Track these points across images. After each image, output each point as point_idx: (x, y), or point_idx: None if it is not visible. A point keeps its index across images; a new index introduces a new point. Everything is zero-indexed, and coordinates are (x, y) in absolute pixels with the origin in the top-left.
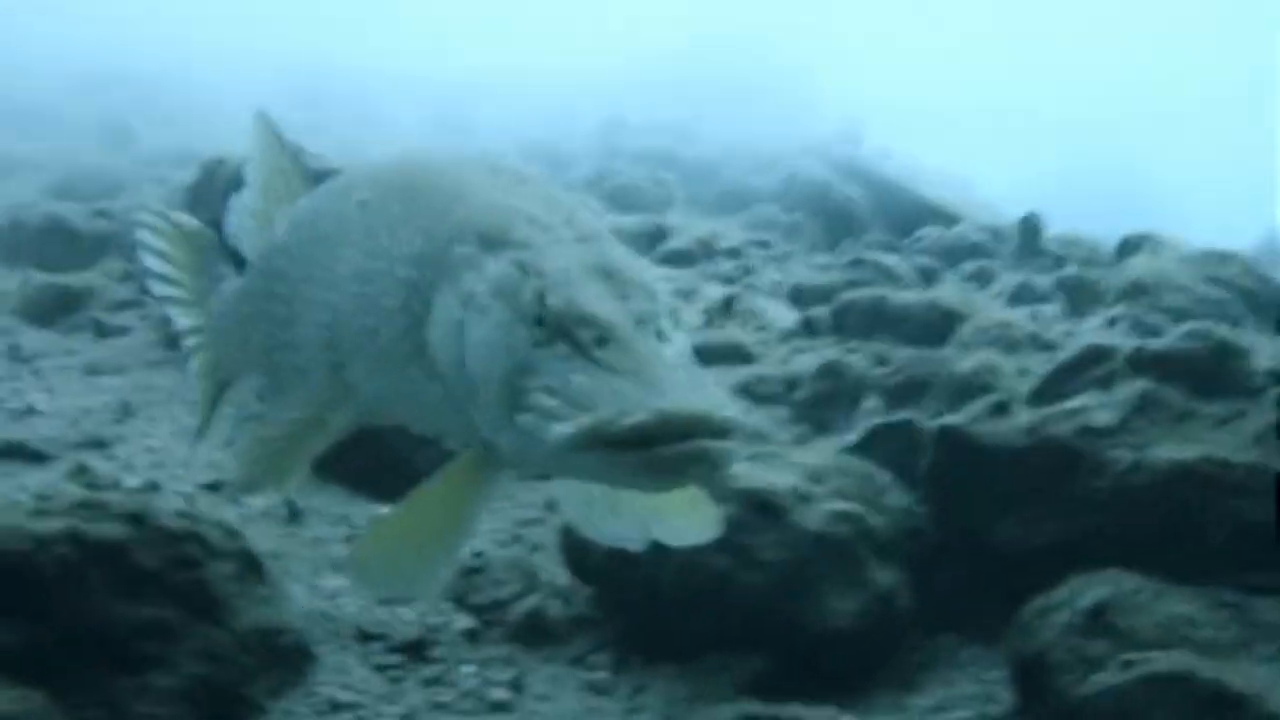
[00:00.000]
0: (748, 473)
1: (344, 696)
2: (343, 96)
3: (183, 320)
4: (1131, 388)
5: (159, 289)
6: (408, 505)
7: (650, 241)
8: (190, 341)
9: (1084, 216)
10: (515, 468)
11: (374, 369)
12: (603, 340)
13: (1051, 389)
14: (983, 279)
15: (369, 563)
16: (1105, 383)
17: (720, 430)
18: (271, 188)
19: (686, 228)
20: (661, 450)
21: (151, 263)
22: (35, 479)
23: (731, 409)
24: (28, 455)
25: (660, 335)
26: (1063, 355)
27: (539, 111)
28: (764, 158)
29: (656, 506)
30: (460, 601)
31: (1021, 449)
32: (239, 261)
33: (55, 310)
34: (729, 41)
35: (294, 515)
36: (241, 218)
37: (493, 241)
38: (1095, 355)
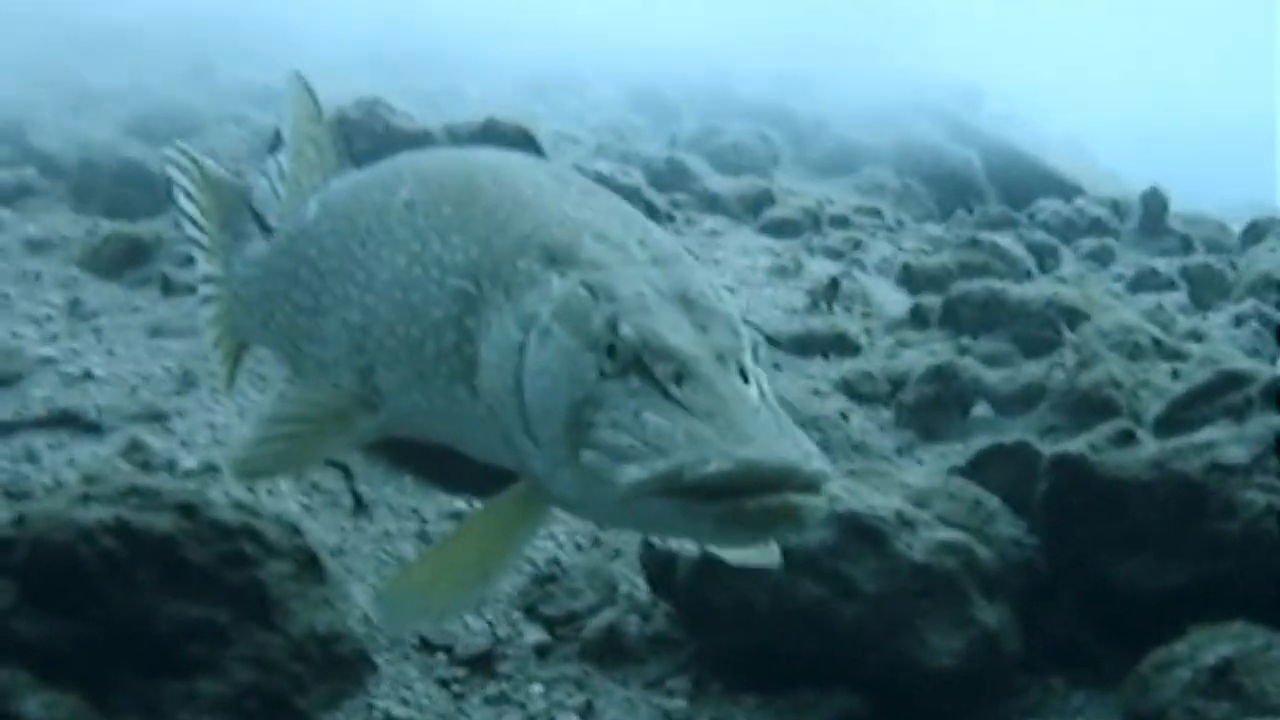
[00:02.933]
0: (848, 492)
1: (401, 712)
2: (439, 39)
3: (203, 266)
4: (1266, 423)
5: (186, 229)
6: (441, 548)
7: (755, 207)
8: (205, 289)
9: (1206, 180)
10: (572, 509)
11: (411, 382)
12: (680, 376)
13: (1179, 415)
14: (1102, 258)
15: (396, 604)
16: (1238, 413)
17: (810, 484)
18: (302, 155)
19: (793, 193)
20: (745, 503)
21: (181, 202)
22: (86, 452)
23: (821, 459)
24: (81, 426)
25: (743, 372)
26: (1194, 379)
27: (648, 59)
28: (877, 115)
29: None
30: (532, 611)
31: (1146, 484)
32: (263, 225)
33: (121, 262)
34: None
35: (360, 506)
36: (271, 182)
37: (559, 259)
38: (1228, 381)
